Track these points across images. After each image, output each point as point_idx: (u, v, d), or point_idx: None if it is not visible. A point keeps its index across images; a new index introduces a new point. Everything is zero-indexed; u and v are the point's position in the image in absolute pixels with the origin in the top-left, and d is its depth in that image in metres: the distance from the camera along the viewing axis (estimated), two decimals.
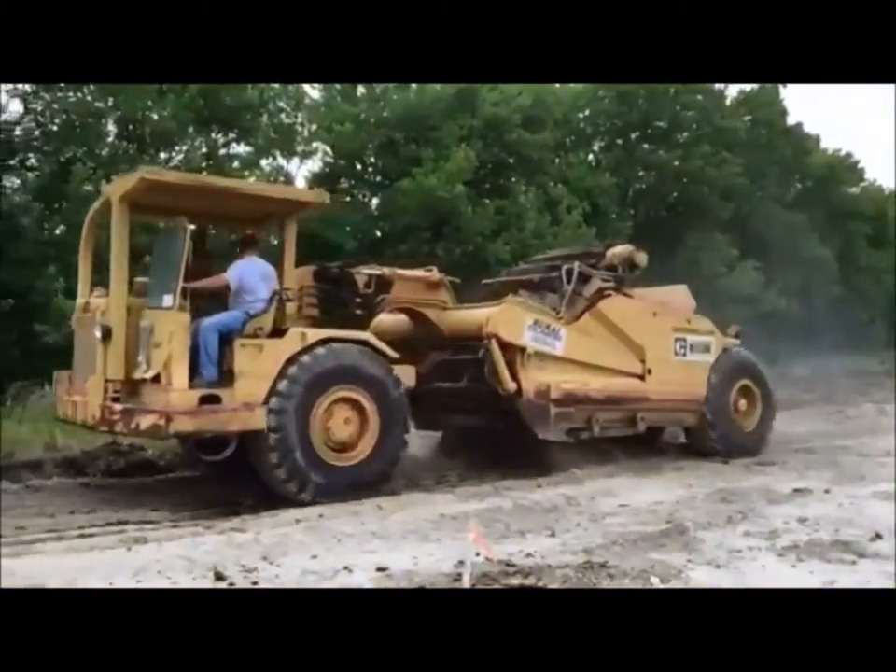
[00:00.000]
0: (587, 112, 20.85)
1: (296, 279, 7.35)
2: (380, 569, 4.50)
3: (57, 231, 12.77)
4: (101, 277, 7.19)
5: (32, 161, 13.15)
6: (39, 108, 12.93)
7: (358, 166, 17.29)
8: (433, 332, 8.35)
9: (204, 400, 6.16)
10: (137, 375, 6.31)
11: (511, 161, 17.48)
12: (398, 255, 14.87)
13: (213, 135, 14.78)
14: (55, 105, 12.88)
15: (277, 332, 6.76)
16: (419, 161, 15.69)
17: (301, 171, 19.83)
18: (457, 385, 8.06)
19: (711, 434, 9.38)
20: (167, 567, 4.46)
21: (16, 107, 12.79)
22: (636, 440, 9.03)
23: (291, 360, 6.49)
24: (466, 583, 3.77)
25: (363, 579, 4.35)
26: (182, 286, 6.21)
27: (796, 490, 7.12)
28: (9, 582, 4.09)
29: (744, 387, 9.79)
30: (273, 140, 15.34)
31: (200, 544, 5.04)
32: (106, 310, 6.44)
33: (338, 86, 17.22)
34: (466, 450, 8.69)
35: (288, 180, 16.17)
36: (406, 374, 7.21)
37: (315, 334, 6.70)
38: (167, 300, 6.24)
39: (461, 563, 4.49)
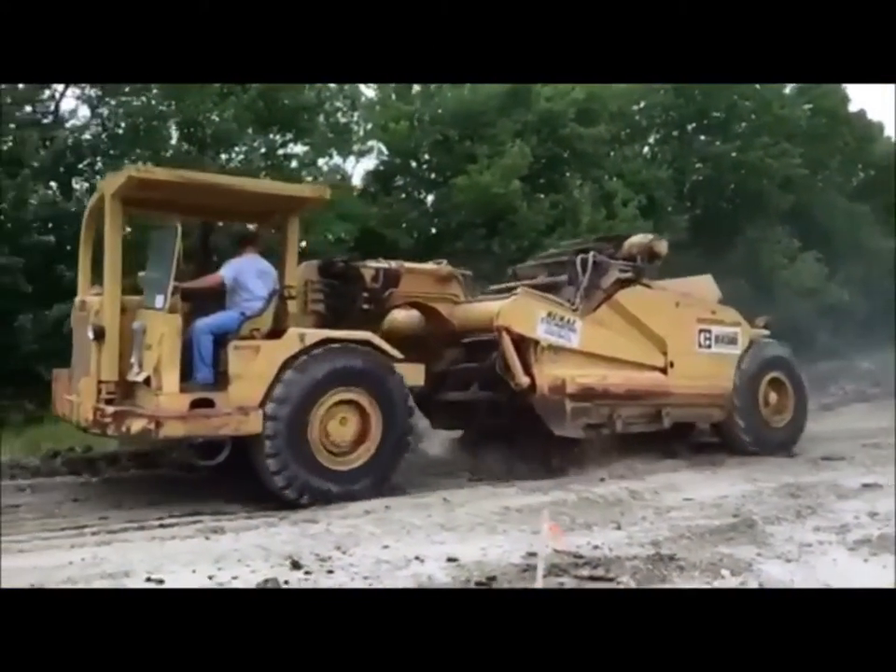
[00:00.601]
0: (642, 104, 20.61)
1: (300, 274, 7.23)
2: (450, 560, 4.60)
3: (129, 230, 13.07)
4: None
5: (99, 164, 13.54)
6: (105, 113, 13.32)
7: (413, 164, 17.40)
8: (444, 327, 8.13)
9: (197, 404, 6.01)
10: (130, 377, 6.16)
11: (566, 155, 17.41)
12: (453, 251, 14.99)
13: (271, 136, 15.04)
14: (120, 110, 13.25)
15: (276, 333, 6.56)
16: (474, 158, 15.72)
17: (357, 169, 20.04)
18: (480, 365, 7.76)
19: (740, 429, 9.08)
20: (245, 556, 4.63)
21: (84, 112, 13.23)
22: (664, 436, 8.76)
23: (289, 362, 6.29)
24: (540, 577, 3.83)
25: (434, 568, 4.45)
26: (174, 285, 6.07)
27: (865, 485, 7.04)
28: (100, 568, 4.30)
29: (774, 380, 9.45)
30: (330, 139, 15.53)
31: (275, 534, 5.21)
32: (100, 309, 6.29)
33: (392, 84, 17.39)
34: (488, 448, 8.25)
35: (345, 178, 16.38)
36: (414, 373, 6.97)
37: (313, 335, 6.49)
38: (159, 300, 6.11)
39: (531, 555, 4.58)
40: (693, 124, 20.76)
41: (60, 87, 12.65)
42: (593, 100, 17.20)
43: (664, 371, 8.64)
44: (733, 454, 9.09)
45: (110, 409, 5.99)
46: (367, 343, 6.68)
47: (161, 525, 5.49)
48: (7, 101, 11.51)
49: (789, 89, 21.71)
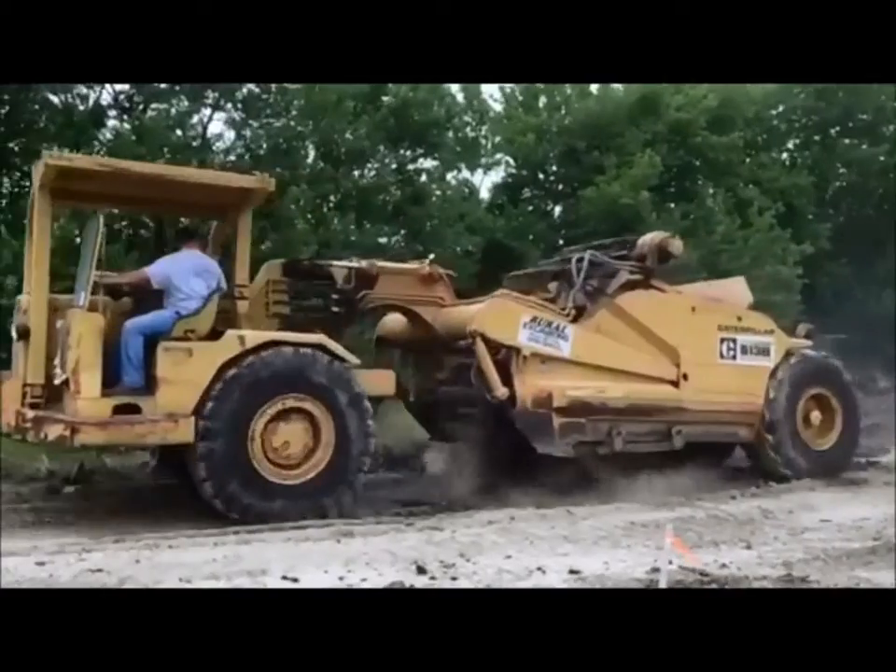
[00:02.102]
0: (781, 109, 19.84)
1: (262, 274, 6.97)
2: (572, 572, 4.62)
3: (266, 245, 13.71)
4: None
5: None
6: (249, 135, 14.09)
7: (541, 175, 17.45)
8: (429, 333, 7.58)
9: (120, 410, 5.63)
10: (55, 381, 5.82)
11: (698, 163, 17.01)
12: None
13: (402, 152, 15.47)
14: (262, 132, 13.98)
15: (216, 334, 6.11)
16: (602, 169, 15.61)
17: (485, 182, 20.26)
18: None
19: (772, 452, 8.18)
20: (373, 560, 4.80)
21: (229, 135, 14.03)
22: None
23: (226, 366, 5.85)
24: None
25: (556, 580, 4.48)
26: (96, 281, 5.74)
27: None
28: (240, 565, 4.58)
29: (817, 397, 8.53)
30: (459, 154, 15.81)
31: (401, 539, 5.38)
32: (27, 308, 6.00)
33: (520, 97, 17.52)
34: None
35: (473, 192, 16.64)
36: (382, 381, 6.64)
37: (256, 337, 6.04)
38: (81, 297, 5.76)
39: (655, 570, 4.53)
40: (837, 128, 19.79)
41: (207, 112, 13.49)
42: (727, 106, 16.72)
43: (675, 383, 7.82)
44: (879, 473, 8.62)
45: (31, 413, 5.73)
46: (319, 346, 6.24)
47: (294, 528, 5.74)
48: (162, 126, 12.35)
49: None
